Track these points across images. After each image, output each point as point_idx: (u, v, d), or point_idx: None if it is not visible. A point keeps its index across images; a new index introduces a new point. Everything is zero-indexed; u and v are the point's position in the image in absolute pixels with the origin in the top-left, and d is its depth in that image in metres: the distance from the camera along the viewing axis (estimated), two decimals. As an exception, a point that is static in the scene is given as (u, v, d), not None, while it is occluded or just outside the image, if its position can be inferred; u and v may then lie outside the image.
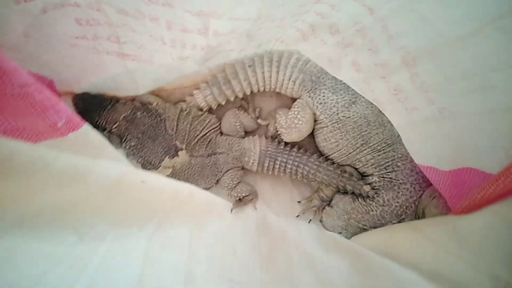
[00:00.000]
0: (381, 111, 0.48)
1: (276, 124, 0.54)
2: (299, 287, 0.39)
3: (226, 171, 0.53)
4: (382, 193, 0.48)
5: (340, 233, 0.50)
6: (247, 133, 0.57)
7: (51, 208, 0.29)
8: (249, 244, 0.45)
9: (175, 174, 0.51)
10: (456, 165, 0.39)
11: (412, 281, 0.32)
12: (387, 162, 0.48)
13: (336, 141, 0.50)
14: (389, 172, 0.48)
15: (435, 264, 0.32)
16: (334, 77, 0.51)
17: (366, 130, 0.48)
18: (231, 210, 0.51)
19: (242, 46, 0.49)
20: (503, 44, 0.29)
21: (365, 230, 0.49)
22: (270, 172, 0.54)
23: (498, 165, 0.32)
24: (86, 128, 0.40)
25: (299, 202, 0.55)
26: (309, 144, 0.56)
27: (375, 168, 0.49)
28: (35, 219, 0.28)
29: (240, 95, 0.54)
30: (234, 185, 0.53)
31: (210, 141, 0.53)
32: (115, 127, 0.52)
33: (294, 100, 0.54)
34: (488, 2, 0.29)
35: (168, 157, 0.51)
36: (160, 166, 0.51)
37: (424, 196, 0.47)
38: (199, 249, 0.41)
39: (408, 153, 0.47)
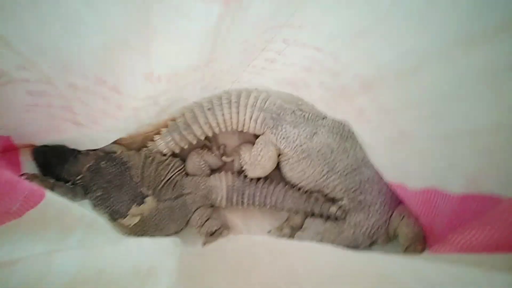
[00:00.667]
0: (343, 139, 0.49)
1: (241, 160, 0.55)
2: None
3: (195, 210, 0.53)
4: (353, 214, 0.49)
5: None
6: (213, 171, 0.57)
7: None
8: None
9: (145, 222, 0.51)
10: (423, 184, 0.40)
11: None
12: (355, 185, 0.49)
13: (302, 170, 0.51)
14: (358, 195, 0.49)
15: None
16: (293, 112, 0.52)
17: (330, 157, 0.49)
18: (202, 245, 0.52)
19: (198, 96, 0.49)
20: (449, 75, 0.30)
21: None
22: (239, 206, 0.54)
23: (461, 187, 0.34)
24: (45, 202, 0.40)
25: (269, 232, 0.56)
26: (275, 176, 0.57)
27: (344, 192, 0.50)
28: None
29: (202, 138, 0.54)
30: (202, 222, 0.53)
31: (176, 183, 0.53)
32: (79, 179, 0.52)
33: (257, 136, 0.55)
34: (433, 35, 0.29)
35: (135, 205, 0.51)
36: (128, 214, 0.51)
37: (394, 216, 0.48)
38: None
39: (374, 175, 0.48)
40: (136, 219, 0.51)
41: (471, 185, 0.33)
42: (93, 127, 0.45)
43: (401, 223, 0.46)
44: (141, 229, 0.51)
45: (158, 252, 0.45)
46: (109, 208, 0.51)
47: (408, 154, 0.39)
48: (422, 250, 0.42)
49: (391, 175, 0.45)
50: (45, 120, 0.45)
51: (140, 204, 0.51)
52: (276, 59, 0.44)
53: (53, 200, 0.39)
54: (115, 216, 0.51)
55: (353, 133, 0.50)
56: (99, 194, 0.51)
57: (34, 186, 0.42)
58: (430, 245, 0.39)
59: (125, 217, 0.51)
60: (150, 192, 0.52)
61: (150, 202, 0.52)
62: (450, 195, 0.35)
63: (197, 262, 0.46)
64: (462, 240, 0.31)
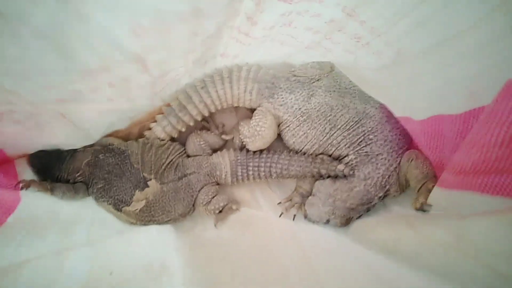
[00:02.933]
0: (341, 95, 0.49)
1: (240, 135, 0.54)
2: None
3: (201, 189, 0.52)
4: (361, 168, 0.48)
5: (328, 221, 0.49)
6: (214, 151, 0.56)
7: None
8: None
9: (151, 206, 0.50)
10: (426, 113, 0.39)
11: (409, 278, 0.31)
12: (359, 138, 0.48)
13: (304, 133, 0.50)
14: (363, 147, 0.48)
15: (429, 261, 0.32)
16: (287, 78, 0.51)
17: (330, 115, 0.49)
18: (215, 224, 0.51)
19: (190, 71, 0.48)
20: None
21: (353, 210, 0.48)
22: (245, 181, 0.53)
23: (462, 105, 0.33)
24: (25, 204, 0.40)
25: (279, 203, 0.55)
26: (277, 147, 0.56)
27: (349, 147, 0.49)
28: None
29: (199, 118, 0.53)
30: (209, 199, 0.51)
31: (177, 165, 0.52)
32: (79, 176, 0.51)
33: (253, 111, 0.54)
34: None
35: (139, 190, 0.50)
36: (132, 201, 0.50)
37: (402, 162, 0.48)
38: None
39: (377, 124, 0.48)
40: (142, 204, 0.50)
41: (472, 100, 0.32)
42: (83, 115, 0.44)
43: (410, 166, 0.46)
44: (148, 214, 0.50)
45: (167, 246, 0.45)
46: (112, 198, 0.50)
47: (409, 77, 0.38)
48: (433, 187, 0.42)
49: (398, 108, 0.44)
50: (38, 136, 0.45)
51: (144, 189, 0.50)
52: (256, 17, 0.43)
53: (35, 202, 0.39)
54: (120, 205, 0.50)
55: (350, 88, 0.50)
56: (100, 185, 0.50)
57: (6, 193, 0.41)
58: (441, 181, 0.38)
59: (130, 204, 0.50)
60: (152, 176, 0.51)
61: (153, 185, 0.50)
62: (454, 115, 0.35)
63: (209, 253, 0.45)
64: (466, 164, 0.31)
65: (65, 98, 0.39)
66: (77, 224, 0.46)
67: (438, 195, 0.38)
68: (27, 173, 0.51)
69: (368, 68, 0.44)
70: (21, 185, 0.47)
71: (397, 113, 0.45)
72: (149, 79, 0.43)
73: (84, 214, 0.49)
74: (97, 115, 0.45)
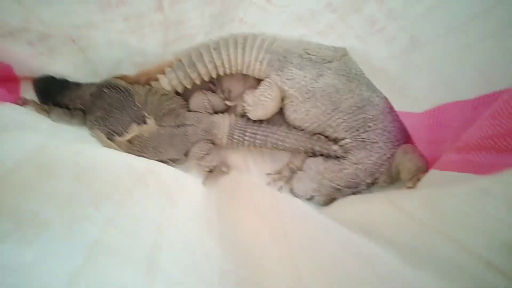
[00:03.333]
0: (349, 80, 0.49)
1: (243, 103, 0.55)
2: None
3: (195, 142, 0.53)
4: (355, 152, 0.49)
5: (312, 197, 0.50)
6: (216, 113, 0.56)
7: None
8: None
9: (143, 142, 0.51)
10: (433, 102, 0.39)
11: (385, 260, 0.29)
12: (358, 124, 0.49)
13: (306, 110, 0.51)
14: (361, 133, 0.49)
15: (412, 241, 0.30)
16: (300, 55, 0.51)
17: (335, 97, 0.49)
18: (203, 182, 0.51)
19: (206, 28, 0.49)
20: None
21: (338, 190, 0.49)
22: (239, 145, 0.54)
23: (476, 90, 0.33)
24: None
25: (269, 174, 0.55)
26: (277, 122, 0.56)
27: (347, 131, 0.49)
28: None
29: (206, 78, 0.54)
30: (202, 155, 0.52)
31: (178, 114, 0.53)
32: (80, 103, 0.52)
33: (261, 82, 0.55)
34: None
35: (136, 124, 0.51)
36: (126, 132, 0.51)
37: (397, 153, 0.48)
38: (170, 229, 0.40)
39: (379, 114, 0.48)
40: (133, 134, 0.50)
41: (485, 86, 0.32)
42: (95, 46, 0.45)
43: (404, 158, 0.46)
44: (139, 149, 0.50)
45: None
46: (107, 127, 0.51)
47: (420, 64, 0.38)
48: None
49: (400, 102, 0.44)
50: (49, 63, 0.46)
51: (141, 124, 0.51)
52: None
53: None
54: (112, 135, 0.50)
55: (360, 75, 0.50)
56: (98, 114, 0.51)
57: None
58: (439, 163, 0.38)
59: (122, 135, 0.51)
60: (152, 116, 0.51)
61: (151, 123, 0.51)
62: (464, 101, 0.35)
63: None
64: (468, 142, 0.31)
65: (79, 25, 0.39)
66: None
67: (432, 177, 0.38)
68: (28, 93, 0.52)
69: (377, 58, 0.44)
70: (20, 101, 0.48)
71: (398, 107, 0.45)
72: (163, 19, 0.43)
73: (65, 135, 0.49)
74: (107, 46, 0.45)
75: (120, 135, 0.50)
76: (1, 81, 0.50)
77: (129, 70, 0.53)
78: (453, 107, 0.36)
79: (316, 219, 0.44)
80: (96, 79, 0.53)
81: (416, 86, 0.40)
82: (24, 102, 0.48)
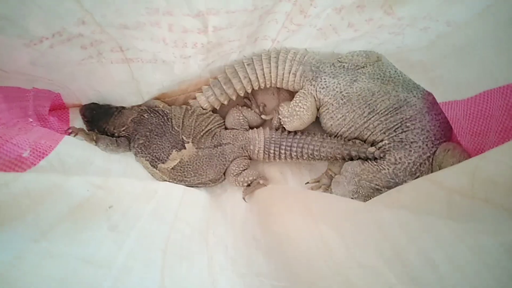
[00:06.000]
0: (384, 82, 0.49)
1: (279, 116, 0.55)
2: None
3: (233, 160, 0.54)
4: (393, 152, 0.48)
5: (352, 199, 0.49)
6: (251, 128, 0.58)
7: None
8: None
9: (184, 166, 0.52)
10: (475, 90, 0.38)
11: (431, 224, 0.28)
12: (396, 124, 0.48)
13: (342, 115, 0.51)
14: (399, 133, 0.48)
15: (458, 212, 0.28)
16: (332, 64, 0.52)
17: (371, 100, 0.49)
18: (243, 197, 0.52)
19: (241, 47, 0.51)
20: None
21: (378, 190, 0.48)
22: (276, 159, 0.54)
23: None
24: (60, 149, 0.42)
25: (307, 183, 0.55)
26: (312, 131, 0.56)
27: (384, 133, 0.49)
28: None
29: (242, 93, 0.56)
30: (240, 171, 0.53)
31: (215, 134, 0.55)
32: (124, 130, 0.54)
33: (294, 95, 0.55)
34: None
35: (176, 150, 0.52)
36: (168, 159, 0.52)
37: (438, 152, 0.46)
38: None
39: (417, 113, 0.47)
40: (176, 162, 0.52)
41: None
42: (141, 60, 0.47)
43: (446, 156, 0.45)
44: (180, 174, 0.52)
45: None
46: (150, 155, 0.52)
47: (459, 49, 0.38)
48: None
49: (442, 93, 0.43)
50: (94, 70, 0.47)
51: (181, 150, 0.52)
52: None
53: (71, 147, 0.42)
54: (156, 162, 0.52)
55: (394, 77, 0.50)
56: (141, 141, 0.53)
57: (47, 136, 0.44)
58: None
59: (165, 162, 0.52)
60: (190, 139, 0.53)
61: (190, 148, 0.53)
62: (505, 86, 0.33)
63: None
64: None
65: (127, 25, 0.41)
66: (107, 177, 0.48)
67: None
68: (78, 122, 0.55)
69: (414, 48, 0.44)
70: (70, 130, 0.51)
71: (441, 98, 0.44)
72: (206, 41, 0.45)
73: (116, 169, 0.51)
74: (151, 63, 0.48)
75: (163, 162, 0.52)
76: (52, 110, 0.54)
77: (169, 89, 0.56)
78: (493, 94, 0.35)
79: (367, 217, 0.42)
80: (139, 99, 0.55)
81: (457, 71, 0.40)
82: (74, 132, 0.51)
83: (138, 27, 0.41)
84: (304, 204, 0.43)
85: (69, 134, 0.51)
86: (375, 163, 0.49)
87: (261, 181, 0.53)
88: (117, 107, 0.55)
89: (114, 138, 0.54)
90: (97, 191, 0.35)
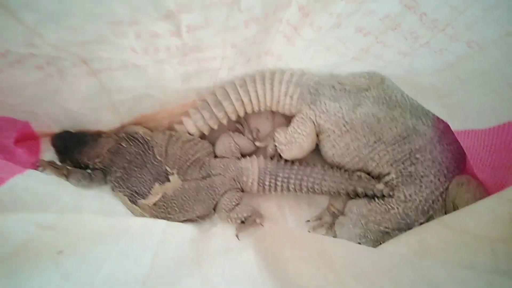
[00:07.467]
0: (390, 108, 0.45)
1: (275, 143, 0.50)
2: None
3: (224, 193, 0.48)
4: (402, 188, 0.43)
5: (359, 243, 0.44)
6: (244, 156, 0.52)
7: None
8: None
9: (168, 202, 0.46)
10: (497, 119, 0.34)
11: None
12: (404, 155, 0.44)
13: (345, 145, 0.46)
14: (408, 166, 0.44)
15: (476, 257, 0.28)
16: (332, 86, 0.48)
17: (377, 127, 0.45)
18: (236, 235, 0.46)
19: (229, 62, 0.45)
20: None
21: (387, 234, 0.43)
22: (272, 192, 0.49)
23: None
24: (15, 183, 0.38)
25: (307, 221, 0.50)
26: (312, 160, 0.51)
27: (391, 165, 0.44)
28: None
29: (233, 117, 0.50)
30: (232, 206, 0.47)
31: (203, 164, 0.49)
32: (99, 162, 0.48)
33: (290, 119, 0.50)
34: None
35: (158, 183, 0.46)
36: (149, 194, 0.46)
37: (451, 187, 0.42)
38: None
39: (427, 144, 0.43)
40: (158, 197, 0.46)
41: None
42: (109, 68, 0.42)
43: (460, 190, 0.41)
44: (164, 210, 0.46)
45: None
46: (129, 189, 0.46)
47: (481, 72, 0.34)
48: None
49: (458, 119, 0.39)
50: (58, 87, 0.42)
51: (164, 182, 0.46)
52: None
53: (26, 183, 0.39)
54: (135, 197, 0.46)
55: (401, 101, 0.46)
56: (118, 175, 0.47)
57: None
58: None
59: (146, 197, 0.46)
60: (175, 170, 0.47)
61: (175, 180, 0.47)
62: None
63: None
64: None
65: (88, 40, 0.36)
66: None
67: None
68: (50, 153, 0.49)
69: (425, 73, 0.40)
70: (38, 164, 0.46)
71: (457, 126, 0.40)
72: (180, 44, 0.39)
73: (88, 205, 0.45)
74: (122, 71, 0.42)
75: (143, 197, 0.46)
76: (22, 141, 0.48)
77: (150, 109, 0.50)
78: None
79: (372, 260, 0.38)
80: (116, 120, 0.49)
81: (478, 97, 0.35)
82: (43, 166, 0.45)
83: (101, 40, 0.36)
84: (320, 253, 0.39)
85: (37, 168, 0.46)
86: (383, 202, 0.44)
87: (257, 220, 0.47)
88: (92, 135, 0.49)
89: (88, 171, 0.48)
90: (43, 232, 0.31)
